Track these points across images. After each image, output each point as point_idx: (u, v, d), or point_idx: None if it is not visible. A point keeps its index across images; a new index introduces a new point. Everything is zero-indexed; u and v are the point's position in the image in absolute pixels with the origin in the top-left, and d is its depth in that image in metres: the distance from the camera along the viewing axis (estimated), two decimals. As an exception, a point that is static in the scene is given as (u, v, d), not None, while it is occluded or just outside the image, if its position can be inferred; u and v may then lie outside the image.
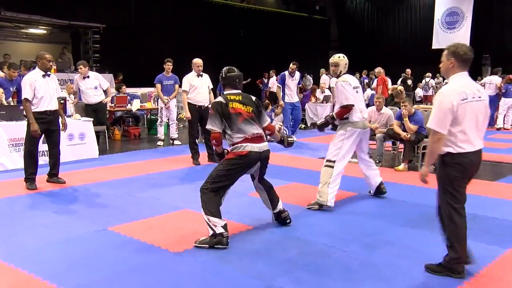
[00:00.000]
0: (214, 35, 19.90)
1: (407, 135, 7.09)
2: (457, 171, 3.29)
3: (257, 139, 4.10)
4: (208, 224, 3.91)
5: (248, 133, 4.04)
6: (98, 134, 8.63)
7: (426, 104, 12.58)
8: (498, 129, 12.79)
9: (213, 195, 3.96)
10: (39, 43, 16.62)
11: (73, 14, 14.35)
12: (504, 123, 13.04)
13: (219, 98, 4.16)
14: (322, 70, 15.11)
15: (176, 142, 9.75)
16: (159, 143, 9.68)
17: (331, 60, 5.30)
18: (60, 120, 6.13)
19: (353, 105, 5.05)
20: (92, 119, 8.27)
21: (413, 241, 4.11)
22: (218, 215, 3.93)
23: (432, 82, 17.46)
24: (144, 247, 3.94)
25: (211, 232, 3.90)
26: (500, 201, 5.50)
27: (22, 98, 5.86)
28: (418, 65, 20.21)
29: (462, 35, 22.60)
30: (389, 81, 13.64)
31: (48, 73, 6.00)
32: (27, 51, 15.90)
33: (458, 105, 3.19)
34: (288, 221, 4.49)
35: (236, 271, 3.47)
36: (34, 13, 13.45)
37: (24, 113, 6.03)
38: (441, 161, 3.35)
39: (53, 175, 6.23)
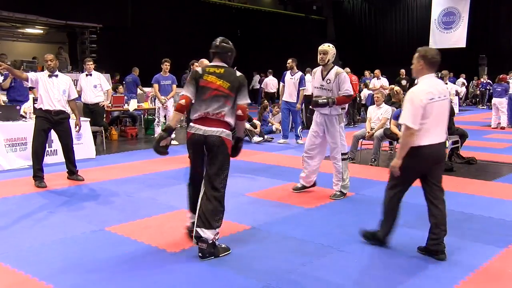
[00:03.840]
0: (211, 35, 19.73)
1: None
2: (413, 161, 3.60)
3: (211, 120, 3.63)
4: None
5: (205, 110, 3.63)
6: (95, 134, 8.62)
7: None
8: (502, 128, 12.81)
9: (188, 191, 3.96)
10: (36, 43, 16.61)
11: (70, 14, 14.33)
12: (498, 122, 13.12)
13: (198, 68, 4.07)
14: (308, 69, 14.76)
15: (173, 142, 9.71)
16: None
17: (321, 47, 5.41)
18: (75, 121, 6.36)
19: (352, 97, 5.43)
20: (89, 119, 8.26)
21: (411, 241, 4.12)
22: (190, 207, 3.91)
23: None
24: (141, 247, 3.94)
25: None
26: (496, 200, 5.52)
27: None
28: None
29: (459, 35, 22.67)
30: (380, 80, 13.68)
31: (56, 73, 6.11)
32: (24, 51, 15.87)
33: (427, 104, 3.51)
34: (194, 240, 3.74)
35: (233, 271, 3.47)
36: (30, 12, 13.43)
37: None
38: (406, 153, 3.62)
39: (72, 172, 6.32)
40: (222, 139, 3.64)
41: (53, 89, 5.96)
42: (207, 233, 3.59)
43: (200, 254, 3.63)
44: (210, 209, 3.61)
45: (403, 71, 15.96)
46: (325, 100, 5.32)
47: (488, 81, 19.93)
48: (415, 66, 3.67)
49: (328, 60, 5.32)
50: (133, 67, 13.06)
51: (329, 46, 5.40)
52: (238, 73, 3.80)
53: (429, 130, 3.57)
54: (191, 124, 3.72)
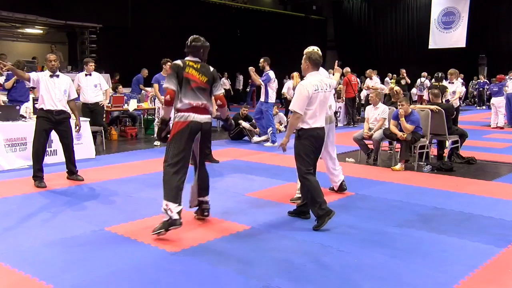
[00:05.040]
0: (211, 35, 19.72)
1: (403, 135, 7.11)
2: (308, 141, 4.40)
3: (201, 110, 4.18)
4: (164, 209, 4.04)
5: (193, 101, 4.12)
6: (95, 134, 8.62)
7: (421, 104, 12.61)
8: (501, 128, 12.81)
9: (172, 174, 4.07)
10: (36, 43, 16.61)
11: (70, 14, 14.33)
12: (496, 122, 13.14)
13: (178, 61, 4.22)
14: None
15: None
16: (156, 143, 9.66)
17: (306, 51, 5.26)
18: (74, 121, 6.33)
19: None
20: (89, 119, 8.26)
21: (410, 241, 4.12)
22: (176, 200, 4.05)
23: (427, 82, 17.50)
24: (141, 247, 3.94)
25: (166, 218, 4.03)
26: (496, 200, 5.52)
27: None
28: (415, 65, 20.29)
29: (458, 35, 22.70)
30: (373, 80, 13.69)
31: (57, 74, 6.12)
32: (23, 51, 15.87)
33: (312, 94, 4.33)
34: (205, 213, 4.57)
35: (233, 271, 3.47)
36: (30, 12, 13.43)
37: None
38: (297, 135, 4.46)
39: (71, 172, 6.33)
40: (211, 124, 4.39)
41: (54, 89, 5.98)
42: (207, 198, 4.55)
43: (206, 213, 4.54)
44: (208, 177, 4.56)
45: (403, 70, 15.98)
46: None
47: (485, 80, 19.90)
48: (303, 65, 4.56)
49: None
50: (142, 68, 13.07)
51: (313, 49, 5.11)
52: (211, 68, 4.34)
53: (317, 116, 4.42)
54: (183, 113, 4.12)
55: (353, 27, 26.50)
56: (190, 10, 19.63)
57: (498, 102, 13.05)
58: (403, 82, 15.58)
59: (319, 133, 4.46)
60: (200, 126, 4.17)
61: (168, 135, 4.22)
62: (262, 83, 9.45)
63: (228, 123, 4.86)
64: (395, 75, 17.21)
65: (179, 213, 4.06)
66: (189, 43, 4.31)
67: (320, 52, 4.56)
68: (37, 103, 6.27)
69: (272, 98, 9.64)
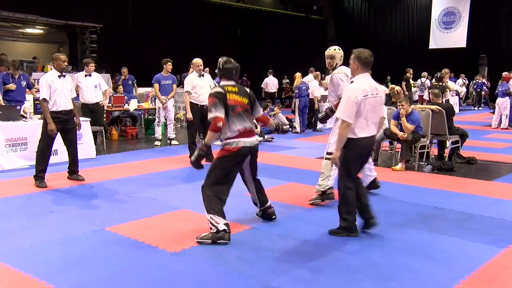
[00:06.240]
0: (211, 35, 19.89)
1: (404, 135, 7.10)
2: (355, 152, 4.02)
3: (248, 133, 4.16)
4: (210, 222, 3.99)
5: (241, 127, 4.10)
6: (95, 134, 8.62)
7: (422, 104, 12.59)
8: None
9: (213, 196, 4.03)
10: (36, 43, 16.61)
11: (70, 14, 14.33)
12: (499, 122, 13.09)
13: (217, 88, 4.19)
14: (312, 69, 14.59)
15: (173, 142, 9.74)
16: (156, 143, 9.67)
17: (327, 52, 5.27)
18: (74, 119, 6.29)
19: None
20: (90, 119, 8.26)
21: (410, 241, 4.12)
22: (221, 215, 4.01)
23: (428, 82, 17.48)
24: (141, 247, 3.94)
25: (213, 229, 3.97)
26: (496, 200, 5.52)
27: (40, 98, 5.98)
28: (415, 65, 20.27)
29: (459, 35, 22.67)
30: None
31: (64, 73, 6.13)
32: (24, 51, 15.88)
33: (361, 100, 3.91)
34: (273, 217, 4.62)
35: (233, 271, 3.48)
36: (31, 12, 13.43)
37: (40, 112, 6.27)
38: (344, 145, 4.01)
39: (72, 172, 6.34)
40: (258, 143, 4.39)
41: (63, 89, 6.02)
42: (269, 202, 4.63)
43: (274, 216, 4.62)
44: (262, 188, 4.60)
45: (410, 70, 15.94)
46: (324, 113, 5.39)
47: (483, 81, 19.83)
48: (351, 66, 4.15)
49: (336, 64, 5.18)
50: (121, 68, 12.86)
51: (335, 49, 5.24)
52: (247, 89, 4.36)
53: (365, 124, 4.02)
54: (233, 140, 4.09)
55: (354, 27, 26.48)
56: (191, 10, 19.63)
57: (502, 102, 12.95)
58: (411, 81, 15.57)
59: (368, 143, 4.12)
60: (249, 149, 4.17)
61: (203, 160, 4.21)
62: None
63: (280, 129, 4.71)
64: (389, 77, 17.18)
65: (226, 225, 4.00)
66: (221, 66, 4.28)
67: (369, 51, 4.12)
68: (38, 103, 6.25)
69: None
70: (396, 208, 5.17)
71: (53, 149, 7.17)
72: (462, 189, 6.03)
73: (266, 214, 4.62)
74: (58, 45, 15.59)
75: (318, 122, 11.27)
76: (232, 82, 4.25)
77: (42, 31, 15.68)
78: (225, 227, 3.98)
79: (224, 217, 4.02)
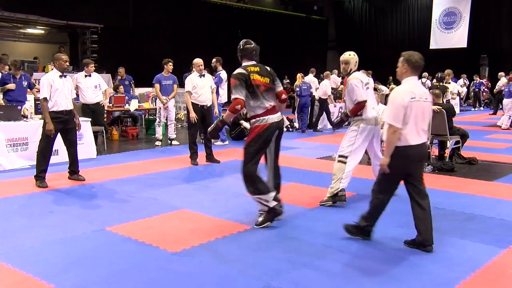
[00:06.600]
0: (212, 35, 19.89)
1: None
2: (399, 162, 3.72)
3: (274, 110, 4.35)
4: (260, 202, 4.28)
5: (267, 104, 4.30)
6: (96, 134, 8.63)
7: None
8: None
9: (254, 172, 4.26)
10: (37, 43, 16.62)
11: (71, 14, 14.33)
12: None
13: (240, 69, 4.31)
14: (313, 70, 14.58)
15: (174, 142, 9.74)
16: (157, 143, 9.68)
17: (342, 57, 5.32)
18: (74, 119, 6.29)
19: (366, 101, 5.10)
20: (90, 119, 8.27)
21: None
22: (266, 191, 4.26)
23: (429, 83, 17.47)
24: (141, 247, 3.94)
25: (266, 209, 4.27)
26: (497, 201, 5.51)
27: (40, 97, 5.99)
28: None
29: (460, 35, 22.65)
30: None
31: (65, 74, 6.15)
32: (25, 51, 15.89)
33: (408, 103, 3.67)
34: (280, 216, 4.63)
35: (233, 271, 3.48)
36: (31, 13, 13.43)
37: (40, 112, 6.27)
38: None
39: (73, 172, 6.35)
40: (283, 120, 4.55)
41: (64, 89, 6.03)
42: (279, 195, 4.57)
43: (280, 216, 4.56)
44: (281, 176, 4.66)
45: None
46: (338, 118, 5.47)
47: (481, 81, 19.80)
48: (399, 69, 3.90)
49: (351, 69, 5.22)
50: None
51: (350, 55, 5.28)
52: (268, 67, 4.50)
53: (413, 130, 3.73)
54: (262, 117, 4.29)
55: (354, 28, 26.47)
56: (192, 10, 19.63)
57: (507, 103, 12.93)
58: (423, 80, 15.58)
59: (415, 152, 3.76)
60: (277, 124, 4.35)
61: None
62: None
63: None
64: (391, 77, 17.21)
65: (275, 199, 4.28)
66: (241, 47, 4.48)
67: (420, 54, 3.89)
68: (38, 103, 6.25)
69: (223, 99, 9.52)
70: (397, 209, 5.16)
71: (53, 149, 7.19)
72: (463, 189, 6.03)
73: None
74: (59, 45, 15.61)
75: (332, 124, 11.33)
76: (253, 62, 4.42)
77: (43, 32, 15.68)
78: (275, 202, 4.27)
79: (269, 191, 4.28)
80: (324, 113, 12.32)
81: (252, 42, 4.52)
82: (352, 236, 4.11)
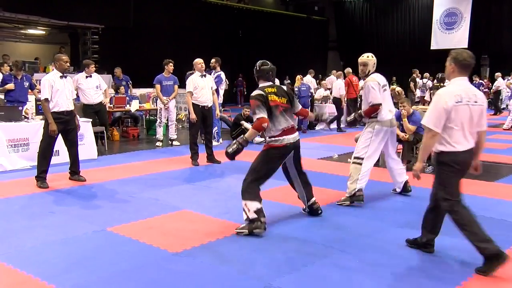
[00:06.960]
0: (213, 36, 19.90)
1: (405, 135, 7.10)
2: (450, 168, 3.52)
3: (291, 130, 4.43)
4: (243, 209, 4.23)
5: (284, 125, 4.36)
6: (97, 134, 8.64)
7: (423, 105, 12.58)
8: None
9: (256, 188, 4.32)
10: (38, 44, 16.65)
11: (72, 14, 14.35)
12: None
13: (258, 91, 4.36)
14: (311, 71, 14.61)
15: (175, 142, 9.75)
16: (158, 143, 9.68)
17: (360, 59, 5.33)
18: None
19: (380, 104, 5.13)
20: (91, 120, 8.27)
21: (411, 241, 4.12)
22: (256, 199, 4.25)
23: (429, 83, 17.47)
24: (142, 247, 3.95)
25: (244, 217, 4.23)
26: (498, 201, 5.52)
27: (41, 98, 5.99)
28: (417, 65, 20.25)
29: (461, 35, 22.66)
30: (361, 81, 13.68)
31: (65, 74, 6.16)
32: (26, 51, 15.92)
33: (453, 107, 3.38)
34: (319, 211, 4.80)
35: (234, 271, 3.48)
36: (32, 13, 13.45)
37: (42, 112, 6.20)
38: (437, 159, 3.59)
39: (74, 173, 6.36)
40: (299, 139, 4.61)
41: (65, 90, 6.04)
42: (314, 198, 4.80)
43: (320, 211, 4.79)
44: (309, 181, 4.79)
45: (417, 70, 15.96)
46: (352, 118, 5.46)
47: (480, 81, 19.79)
48: (447, 68, 3.61)
49: (369, 71, 5.26)
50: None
51: (368, 56, 5.31)
52: (284, 87, 4.64)
53: (460, 135, 3.48)
54: (278, 138, 4.35)
55: (355, 28, 26.49)
56: (192, 10, 19.65)
57: (511, 104, 12.98)
58: (418, 80, 15.58)
59: (465, 158, 3.56)
60: (293, 145, 4.43)
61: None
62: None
63: (320, 119, 5.28)
64: (394, 78, 17.22)
65: (256, 212, 4.20)
66: (258, 68, 4.52)
67: (470, 52, 3.67)
68: (39, 103, 6.26)
69: (220, 99, 9.52)
70: (398, 209, 5.17)
71: (54, 150, 7.20)
72: (464, 189, 6.00)
73: (313, 210, 4.78)
74: (60, 46, 15.64)
75: (343, 123, 11.47)
76: (270, 83, 4.48)
77: (44, 32, 15.71)
78: (255, 215, 4.18)
79: (259, 200, 4.26)
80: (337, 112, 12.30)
81: (268, 63, 4.55)
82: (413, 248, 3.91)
